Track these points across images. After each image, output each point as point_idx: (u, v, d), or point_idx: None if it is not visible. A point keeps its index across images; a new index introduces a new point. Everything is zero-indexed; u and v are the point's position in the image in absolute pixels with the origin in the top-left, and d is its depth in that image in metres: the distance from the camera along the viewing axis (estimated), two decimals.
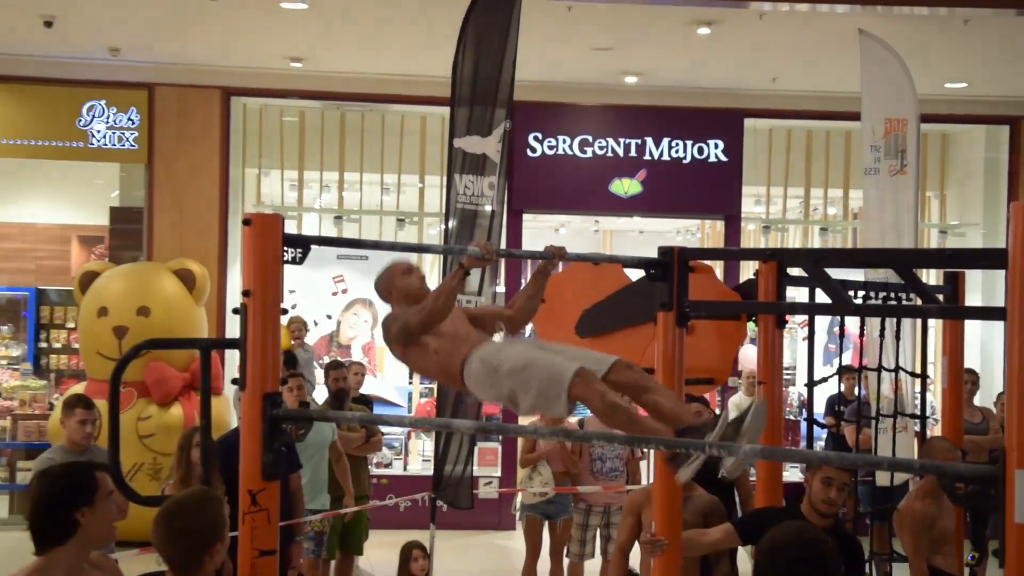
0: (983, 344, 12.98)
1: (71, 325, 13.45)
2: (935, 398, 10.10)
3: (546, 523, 9.14)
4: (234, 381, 3.95)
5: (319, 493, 8.27)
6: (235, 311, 3.88)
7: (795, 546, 2.79)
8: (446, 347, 4.50)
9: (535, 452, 8.92)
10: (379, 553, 9.63)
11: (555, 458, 9.05)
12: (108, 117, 12.26)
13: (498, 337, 4.90)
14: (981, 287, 12.71)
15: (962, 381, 6.58)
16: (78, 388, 10.56)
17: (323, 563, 8.70)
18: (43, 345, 13.55)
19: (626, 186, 12.80)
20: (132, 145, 12.31)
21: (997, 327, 12.90)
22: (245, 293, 3.82)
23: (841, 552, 5.27)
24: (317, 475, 8.27)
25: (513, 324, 4.98)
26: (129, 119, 12.29)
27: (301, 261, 3.85)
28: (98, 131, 12.26)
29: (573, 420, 10.77)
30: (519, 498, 9.62)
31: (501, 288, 13.29)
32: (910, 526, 5.94)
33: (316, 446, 8.20)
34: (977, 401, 10.23)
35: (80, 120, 12.24)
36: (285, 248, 3.81)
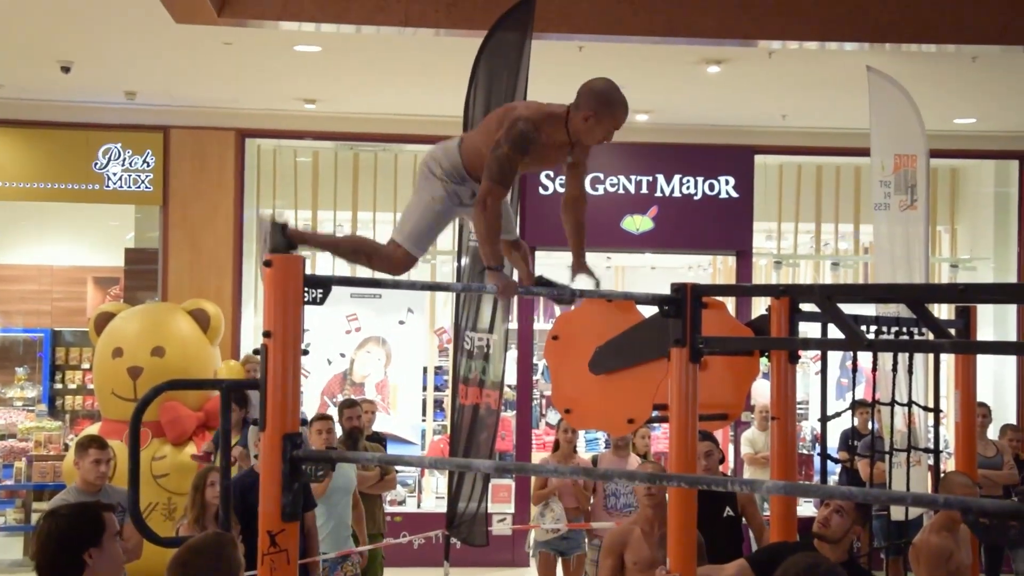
0: (995, 376, 12.98)
1: (86, 366, 13.54)
2: (948, 432, 10.10)
3: (559, 559, 9.14)
4: (254, 422, 4.00)
5: (344, 540, 8.18)
6: (255, 352, 3.92)
7: None
8: None
9: (546, 488, 8.93)
10: None
11: (567, 494, 9.06)
12: (124, 160, 12.39)
13: None
14: (993, 320, 12.72)
15: (975, 415, 6.58)
16: (93, 429, 10.62)
17: None
18: (58, 386, 13.65)
19: (638, 223, 12.87)
20: (147, 187, 12.43)
21: (1010, 359, 12.93)
22: (266, 334, 3.87)
23: None
24: (342, 521, 8.20)
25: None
26: (144, 161, 12.41)
27: (322, 302, 3.90)
28: (114, 174, 12.38)
29: (586, 456, 10.79)
30: (532, 535, 9.63)
31: (514, 325, 13.34)
32: (927, 560, 5.95)
33: (341, 491, 8.16)
34: (990, 434, 10.23)
35: (96, 163, 12.37)
36: (306, 289, 3.86)
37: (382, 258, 4.83)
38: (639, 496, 6.31)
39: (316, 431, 7.88)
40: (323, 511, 8.03)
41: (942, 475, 6.63)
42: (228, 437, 4.12)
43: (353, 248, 5.00)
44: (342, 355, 12.97)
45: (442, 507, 10.34)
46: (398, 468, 10.80)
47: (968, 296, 4.86)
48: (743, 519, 7.37)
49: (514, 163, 4.61)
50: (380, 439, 10.15)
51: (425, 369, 13.55)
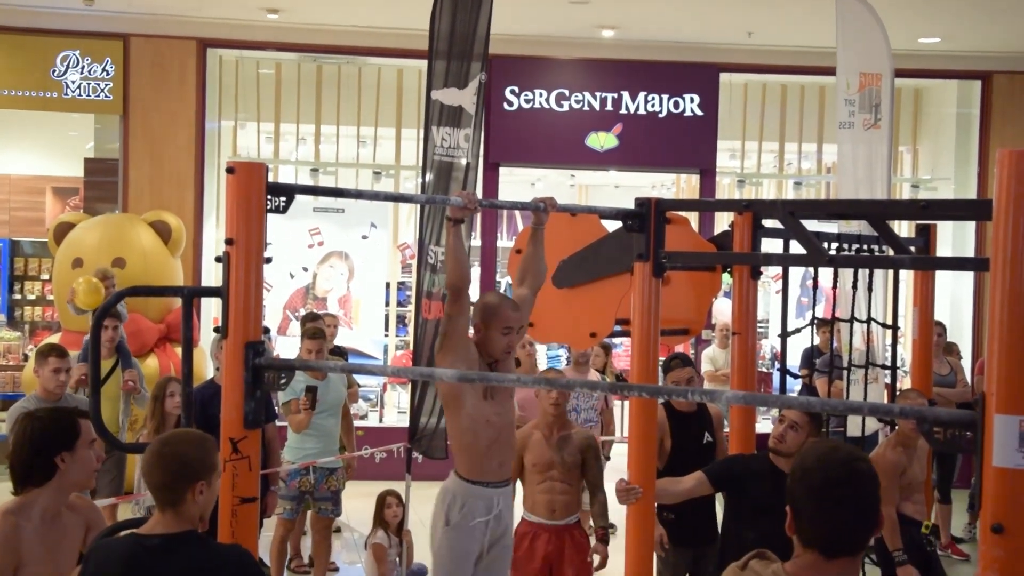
0: (952, 298, 13.14)
1: (45, 276, 13.43)
2: (905, 350, 10.22)
3: None
4: (216, 329, 3.98)
5: (333, 453, 8.24)
6: (218, 259, 3.90)
7: (824, 469, 2.68)
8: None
9: None
10: (355, 504, 9.71)
11: (530, 408, 9.15)
12: (83, 67, 12.18)
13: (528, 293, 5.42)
14: (952, 241, 12.84)
15: (932, 333, 6.68)
16: (53, 339, 10.57)
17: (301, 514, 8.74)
18: (17, 297, 13.54)
19: (602, 140, 12.84)
20: (107, 96, 12.24)
21: (966, 280, 13.09)
22: (228, 241, 3.84)
23: None
24: (333, 435, 8.27)
25: (533, 289, 5.44)
26: (104, 70, 12.21)
27: (285, 210, 3.87)
28: (73, 81, 12.18)
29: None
30: None
31: (477, 242, 13.33)
32: (881, 474, 6.04)
33: (333, 405, 8.24)
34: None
35: (54, 70, 12.16)
36: (269, 196, 3.83)
37: None
38: (543, 403, 6.45)
39: (307, 351, 7.92)
40: (314, 427, 8.07)
41: (898, 392, 6.73)
42: (190, 344, 4.11)
43: None
44: (304, 269, 12.93)
45: (404, 422, 10.40)
46: (361, 383, 10.83)
47: (930, 212, 4.90)
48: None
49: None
50: (342, 353, 10.16)
51: (388, 284, 13.54)
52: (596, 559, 6.42)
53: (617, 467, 9.14)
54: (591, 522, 6.69)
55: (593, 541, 6.49)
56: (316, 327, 8.38)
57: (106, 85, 12.22)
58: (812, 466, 2.70)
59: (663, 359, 6.74)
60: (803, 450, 2.81)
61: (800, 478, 2.71)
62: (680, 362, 6.72)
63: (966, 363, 11.19)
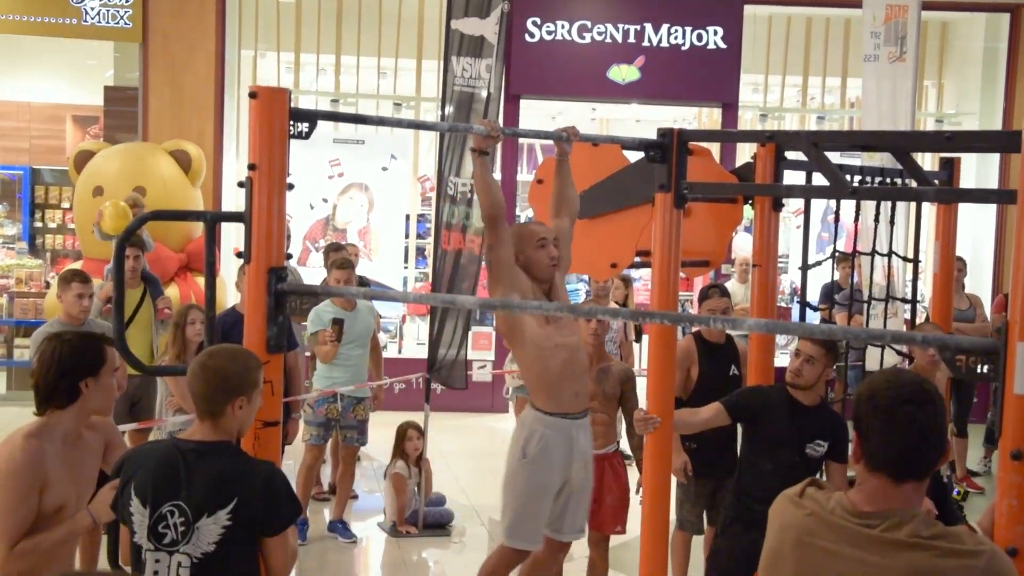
0: (972, 237, 13.07)
1: (66, 205, 13.48)
2: (925, 285, 10.20)
3: None
4: (239, 254, 3.99)
5: (361, 381, 8.29)
6: (240, 184, 3.89)
7: (893, 388, 2.62)
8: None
9: None
10: (374, 433, 9.77)
11: None
12: None
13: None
14: (975, 178, 12.75)
15: (953, 267, 6.66)
16: (75, 267, 10.63)
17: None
18: (38, 225, 13.60)
19: (624, 73, 12.74)
20: (127, 23, 12.19)
21: (988, 218, 13.01)
22: (251, 167, 3.83)
23: (827, 431, 5.43)
24: (361, 365, 8.29)
25: (570, 218, 5.46)
26: None
27: (308, 136, 3.86)
28: (92, 8, 12.12)
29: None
30: (507, 380, 9.75)
31: (497, 174, 13.29)
32: None
33: (362, 336, 8.25)
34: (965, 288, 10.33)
35: None
36: (292, 122, 3.82)
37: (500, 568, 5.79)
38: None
39: (335, 280, 7.93)
40: (343, 357, 8.11)
41: (917, 326, 6.71)
42: (212, 268, 4.12)
43: None
44: (324, 200, 12.92)
45: (423, 353, 10.45)
46: (381, 314, 10.86)
47: (955, 144, 4.87)
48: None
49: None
50: (364, 283, 10.18)
51: (408, 216, 13.54)
52: (641, 492, 6.46)
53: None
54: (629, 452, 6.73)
55: (637, 474, 6.50)
56: (343, 257, 8.39)
57: (126, 12, 12.16)
58: (881, 386, 2.64)
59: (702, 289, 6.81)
60: (870, 377, 2.76)
61: (868, 398, 2.66)
62: (718, 291, 6.76)
63: (985, 300, 11.16)
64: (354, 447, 8.33)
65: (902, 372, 2.74)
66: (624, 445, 7.01)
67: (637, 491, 6.29)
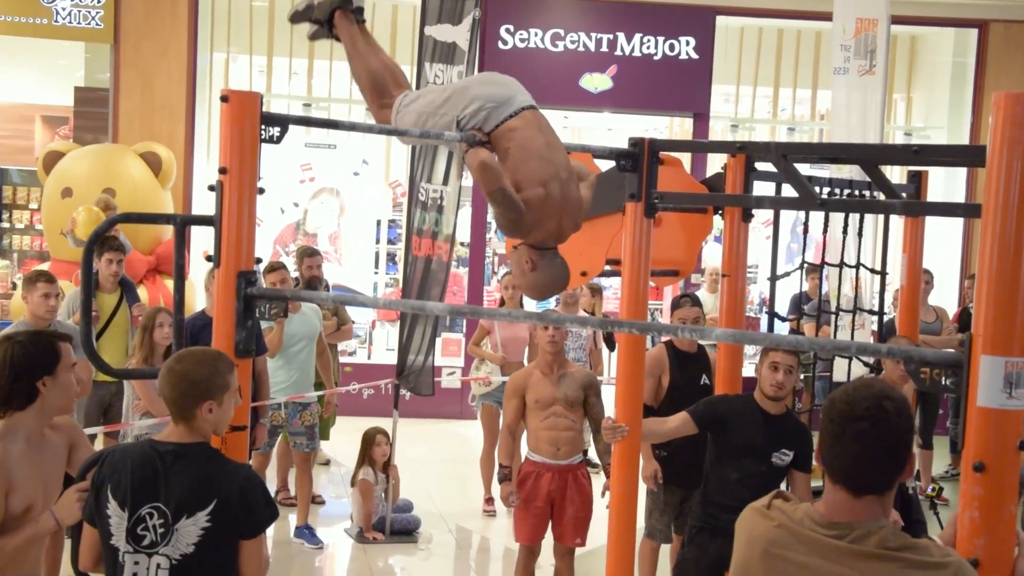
0: (939, 245, 13.16)
1: (34, 206, 13.37)
2: (891, 297, 10.27)
3: (502, 411, 9.30)
4: (208, 258, 3.97)
5: (307, 387, 8.24)
6: (211, 188, 3.88)
7: (849, 403, 2.63)
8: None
9: (479, 349, 9.28)
10: (342, 438, 9.79)
11: (512, 348, 9.21)
12: None
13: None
14: (943, 191, 12.85)
15: (920, 280, 6.70)
16: (42, 267, 10.55)
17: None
18: (5, 225, 13.49)
19: (596, 81, 12.79)
20: (98, 24, 12.12)
21: (955, 229, 13.12)
22: (222, 170, 3.82)
23: (794, 440, 5.47)
24: (306, 369, 8.25)
25: (589, 186, 4.57)
26: None
27: (279, 140, 3.85)
28: (63, 8, 12.05)
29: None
30: (472, 388, 9.76)
31: (468, 181, 13.28)
32: None
33: (306, 339, 8.22)
34: (931, 301, 10.42)
35: None
36: (263, 127, 3.81)
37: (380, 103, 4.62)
38: (540, 342, 6.51)
39: (271, 283, 7.88)
40: (287, 359, 8.07)
41: (891, 339, 6.76)
42: (182, 271, 4.10)
43: (370, 79, 4.67)
44: (295, 205, 12.90)
45: (392, 359, 10.44)
46: (353, 319, 10.85)
47: (922, 158, 4.90)
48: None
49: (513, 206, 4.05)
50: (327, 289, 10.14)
51: (379, 222, 13.52)
52: (608, 496, 6.48)
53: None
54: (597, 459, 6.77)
55: (603, 479, 6.52)
56: (276, 262, 8.41)
57: (97, 13, 12.09)
58: (838, 398, 2.66)
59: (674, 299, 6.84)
60: (837, 390, 2.77)
61: (826, 410, 2.67)
62: (689, 301, 6.81)
63: (952, 313, 11.26)
64: (305, 453, 8.28)
65: (869, 385, 2.70)
66: (592, 454, 7.05)
67: (604, 494, 6.33)
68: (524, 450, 6.85)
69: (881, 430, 2.61)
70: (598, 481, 6.71)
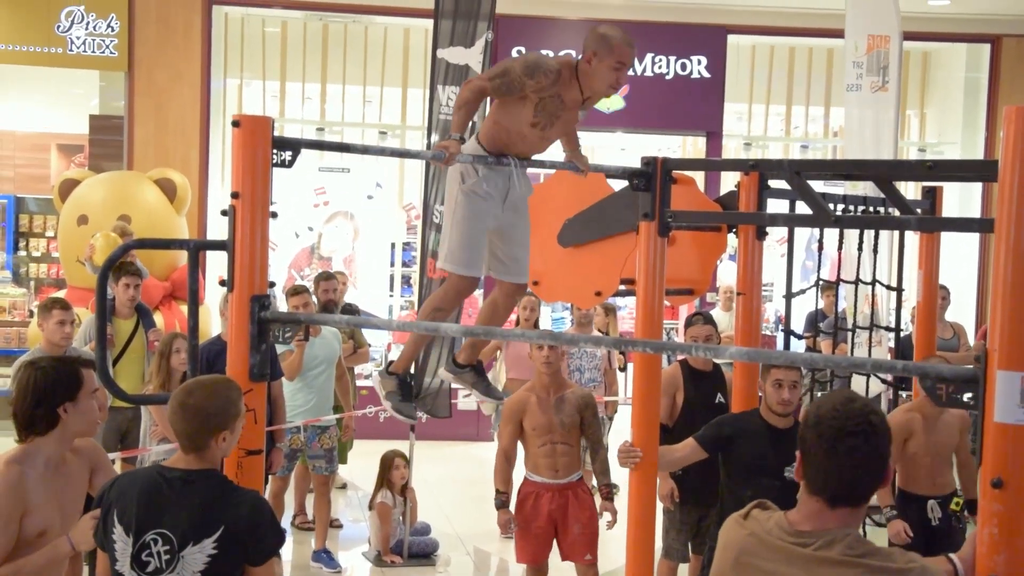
0: (956, 261, 13.12)
1: (50, 234, 13.43)
2: (908, 314, 10.23)
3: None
4: (222, 282, 3.98)
5: (326, 411, 8.22)
6: (223, 213, 3.89)
7: (839, 418, 2.66)
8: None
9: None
10: (359, 462, 9.76)
11: (518, 367, 9.21)
12: (87, 23, 12.14)
13: None
14: (958, 207, 12.81)
15: (936, 296, 6.66)
16: (58, 295, 10.58)
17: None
18: (22, 254, 13.55)
19: (609, 101, 12.80)
20: (112, 52, 12.20)
21: (972, 245, 13.06)
22: (234, 195, 3.83)
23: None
24: (325, 393, 8.25)
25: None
26: (109, 26, 12.16)
27: (291, 164, 3.86)
28: (77, 37, 12.14)
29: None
30: (490, 411, 9.74)
31: None
32: None
33: (325, 363, 8.22)
34: (948, 317, 10.36)
35: (59, 26, 12.12)
36: (275, 151, 3.82)
37: (447, 298, 4.80)
38: (536, 363, 6.45)
39: (293, 307, 7.90)
40: (305, 382, 8.07)
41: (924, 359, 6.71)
42: (196, 296, 4.11)
43: (430, 317, 4.79)
44: (310, 229, 12.92)
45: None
46: (369, 343, 10.85)
47: (936, 173, 4.89)
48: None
49: (513, 78, 4.45)
50: (353, 311, 10.15)
51: (393, 245, 13.54)
52: (607, 517, 6.45)
53: (617, 429, 9.20)
54: (594, 480, 6.73)
55: (599, 500, 6.52)
56: (298, 286, 8.44)
57: (111, 41, 12.17)
58: (827, 414, 2.69)
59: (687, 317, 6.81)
60: (819, 399, 2.81)
61: (814, 425, 2.71)
62: (702, 319, 6.78)
63: (969, 329, 11.20)
64: (324, 476, 8.28)
65: (852, 400, 2.74)
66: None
67: (601, 515, 6.31)
68: (521, 470, 6.78)
69: (871, 445, 2.68)
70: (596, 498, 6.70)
